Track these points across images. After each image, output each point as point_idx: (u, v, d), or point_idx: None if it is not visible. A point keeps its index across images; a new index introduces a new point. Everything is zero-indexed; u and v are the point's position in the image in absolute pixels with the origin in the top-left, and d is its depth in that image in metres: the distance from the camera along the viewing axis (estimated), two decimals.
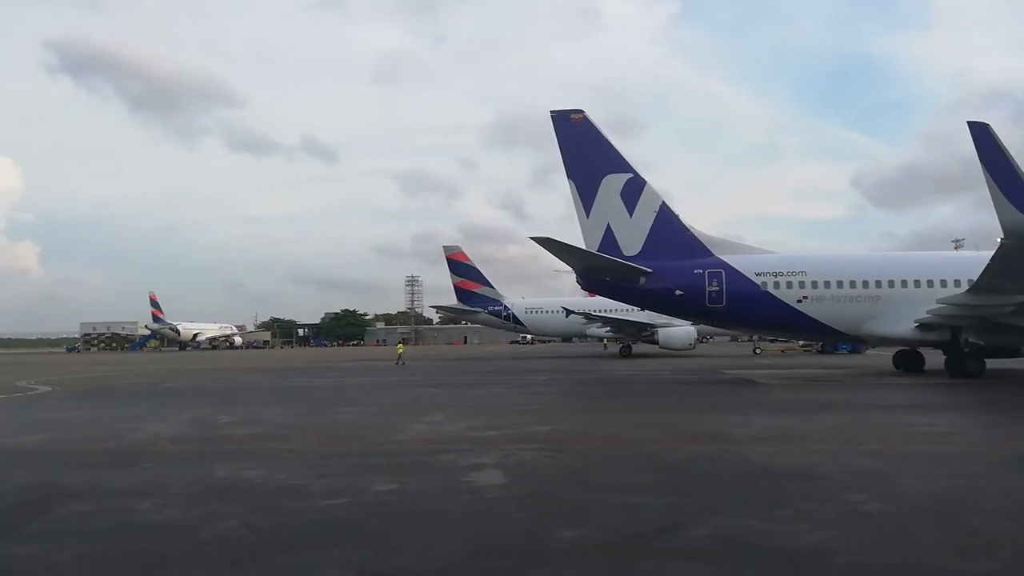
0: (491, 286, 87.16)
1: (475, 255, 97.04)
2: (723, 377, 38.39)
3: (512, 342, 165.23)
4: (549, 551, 9.60)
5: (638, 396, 29.18)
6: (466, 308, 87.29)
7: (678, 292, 37.78)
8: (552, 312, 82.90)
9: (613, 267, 38.01)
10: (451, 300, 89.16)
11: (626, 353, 72.78)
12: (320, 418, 22.49)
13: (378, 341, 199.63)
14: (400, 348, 70.70)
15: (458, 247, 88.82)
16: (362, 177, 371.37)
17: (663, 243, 38.55)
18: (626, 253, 38.50)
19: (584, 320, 75.69)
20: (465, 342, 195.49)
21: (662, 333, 69.70)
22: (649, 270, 37.92)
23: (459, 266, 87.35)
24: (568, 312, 77.38)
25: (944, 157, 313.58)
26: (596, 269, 38.42)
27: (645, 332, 71.83)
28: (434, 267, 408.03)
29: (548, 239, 36.82)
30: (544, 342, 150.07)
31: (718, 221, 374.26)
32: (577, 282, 40.05)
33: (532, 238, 36.52)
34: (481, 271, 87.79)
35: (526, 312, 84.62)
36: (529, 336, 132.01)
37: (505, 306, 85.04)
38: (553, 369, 49.87)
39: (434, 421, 21.10)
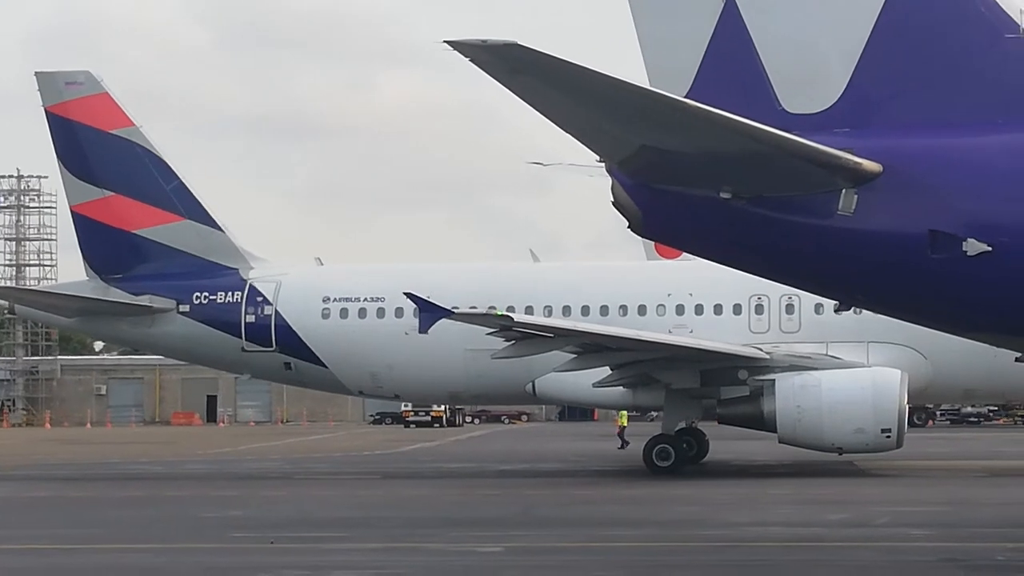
0: (207, 221, 33.59)
1: (155, 107, 42.18)
2: None
3: (376, 418, 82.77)
4: None
5: None
6: (90, 297, 33.32)
7: (972, 245, 10.71)
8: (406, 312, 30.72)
9: (753, 152, 11.17)
10: (71, 269, 30.29)
11: (667, 462, 28.98)
12: None
13: None
14: None
15: (91, 78, 33.38)
16: None
17: (926, 64, 11.54)
18: (787, 107, 11.78)
19: (504, 339, 27.68)
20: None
21: (785, 388, 27.04)
22: (875, 166, 11.13)
23: (92, 147, 33.17)
24: (427, 311, 27.42)
25: None
26: (678, 161, 11.60)
27: (729, 385, 28.61)
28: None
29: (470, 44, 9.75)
30: (420, 419, 72.80)
31: None
32: (616, 206, 12.41)
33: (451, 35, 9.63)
34: (173, 168, 33.90)
35: (325, 313, 31.82)
36: (407, 405, 64.87)
37: (252, 290, 32.25)
38: None
39: None
